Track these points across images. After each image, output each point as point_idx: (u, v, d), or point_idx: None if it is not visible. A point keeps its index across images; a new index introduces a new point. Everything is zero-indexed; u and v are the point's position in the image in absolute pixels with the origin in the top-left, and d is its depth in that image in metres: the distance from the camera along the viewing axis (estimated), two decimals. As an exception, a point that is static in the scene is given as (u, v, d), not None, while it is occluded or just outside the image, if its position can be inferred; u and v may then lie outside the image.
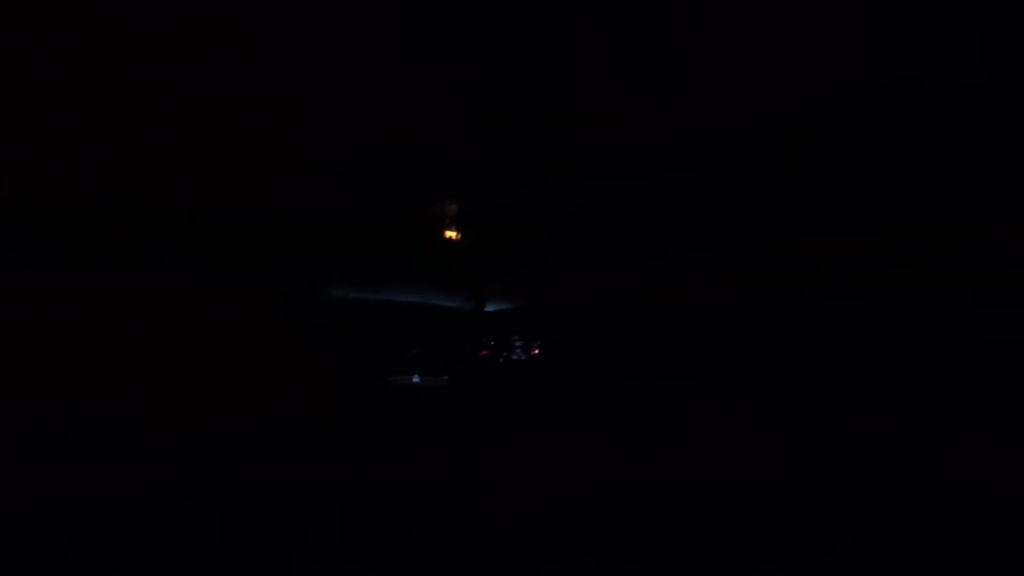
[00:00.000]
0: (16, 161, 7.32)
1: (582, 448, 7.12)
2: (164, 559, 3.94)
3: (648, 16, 4.55)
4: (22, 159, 7.30)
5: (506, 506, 5.09)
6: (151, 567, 3.85)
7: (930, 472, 6.12)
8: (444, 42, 4.92)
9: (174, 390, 7.78)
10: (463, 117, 6.35)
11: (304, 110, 6.33)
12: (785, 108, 5.90)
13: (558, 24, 4.65)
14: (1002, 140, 5.93)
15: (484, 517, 4.85)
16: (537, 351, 11.44)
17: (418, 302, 11.01)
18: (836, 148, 6.60)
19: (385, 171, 8.11)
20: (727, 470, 6.22)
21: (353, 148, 7.37)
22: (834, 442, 7.17)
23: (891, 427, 7.38)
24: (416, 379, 10.10)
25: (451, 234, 9.68)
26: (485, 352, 11.42)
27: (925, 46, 4.76)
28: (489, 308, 11.52)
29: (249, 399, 7.91)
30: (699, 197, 8.39)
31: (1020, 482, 5.59)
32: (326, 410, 8.14)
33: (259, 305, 9.37)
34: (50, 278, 7.89)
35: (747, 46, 4.87)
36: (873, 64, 5.06)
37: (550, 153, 7.26)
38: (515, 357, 11.41)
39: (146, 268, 8.63)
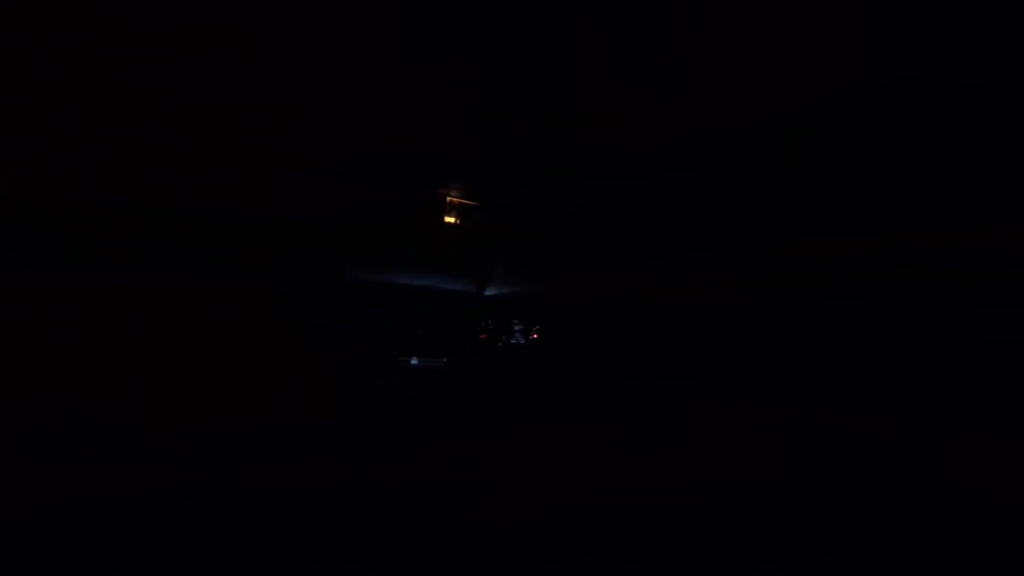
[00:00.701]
0: (16, 161, 7.32)
1: (582, 448, 7.12)
2: (164, 559, 3.94)
3: (648, 16, 4.54)
4: (22, 159, 7.30)
5: (506, 506, 5.08)
6: (151, 567, 3.85)
7: (930, 472, 6.12)
8: (444, 42, 4.92)
9: (174, 390, 7.78)
10: (463, 117, 6.35)
11: (304, 110, 6.32)
12: (785, 108, 5.88)
13: (558, 24, 4.65)
14: (1002, 140, 5.92)
15: (484, 517, 4.85)
16: (536, 335, 11.43)
17: (419, 286, 11.01)
18: (836, 148, 6.59)
19: (385, 171, 8.11)
20: (727, 470, 6.22)
21: (353, 148, 7.37)
22: (834, 442, 7.17)
23: (891, 427, 7.37)
24: (415, 361, 10.20)
25: (451, 220, 9.57)
26: (484, 336, 11.42)
27: (925, 46, 4.76)
28: (489, 292, 11.51)
29: (249, 399, 7.91)
30: (699, 197, 8.38)
31: (1020, 482, 5.60)
32: (326, 410, 8.14)
33: (259, 305, 9.37)
34: (50, 278, 7.89)
35: (746, 46, 4.86)
36: (873, 64, 5.05)
37: (550, 153, 7.25)
38: (514, 341, 11.39)
39: (146, 268, 8.63)
